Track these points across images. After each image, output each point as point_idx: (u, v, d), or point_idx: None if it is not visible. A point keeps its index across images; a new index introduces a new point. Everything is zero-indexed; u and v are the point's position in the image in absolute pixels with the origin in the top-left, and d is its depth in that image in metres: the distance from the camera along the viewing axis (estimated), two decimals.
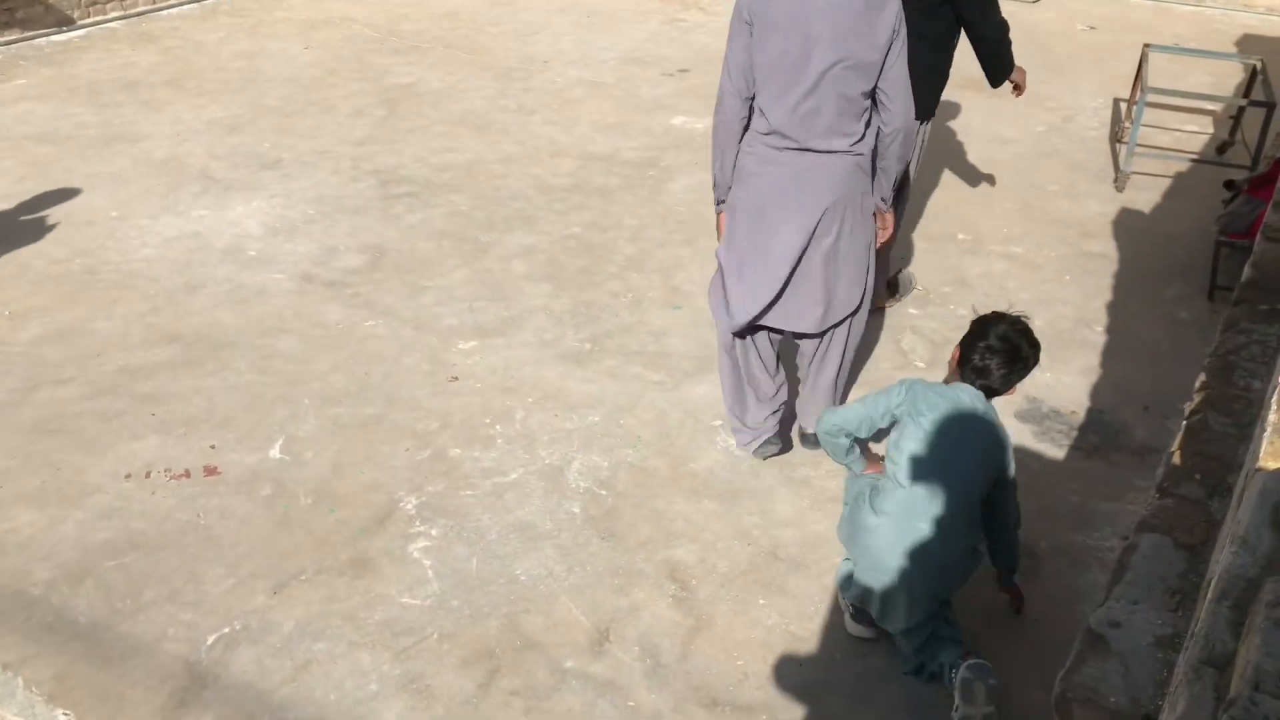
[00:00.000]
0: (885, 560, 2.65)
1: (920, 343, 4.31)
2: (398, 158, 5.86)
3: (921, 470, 2.63)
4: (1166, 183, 5.81)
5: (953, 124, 6.52)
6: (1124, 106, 6.67)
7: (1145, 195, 5.66)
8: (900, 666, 2.78)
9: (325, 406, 3.80)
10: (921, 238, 5.16)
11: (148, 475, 3.41)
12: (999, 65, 4.12)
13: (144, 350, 4.08)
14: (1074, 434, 3.78)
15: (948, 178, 5.82)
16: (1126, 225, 5.33)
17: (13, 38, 7.34)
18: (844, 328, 3.37)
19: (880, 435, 2.95)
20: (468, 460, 3.54)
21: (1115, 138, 6.36)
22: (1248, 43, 8.10)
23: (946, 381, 2.85)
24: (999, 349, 2.70)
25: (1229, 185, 5.10)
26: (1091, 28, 8.59)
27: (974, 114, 6.67)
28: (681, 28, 8.28)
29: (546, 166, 5.82)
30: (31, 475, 3.39)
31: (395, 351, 4.14)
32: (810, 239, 3.13)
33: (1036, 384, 4.05)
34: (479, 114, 6.49)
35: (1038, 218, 5.40)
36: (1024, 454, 3.69)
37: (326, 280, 4.63)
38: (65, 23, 7.67)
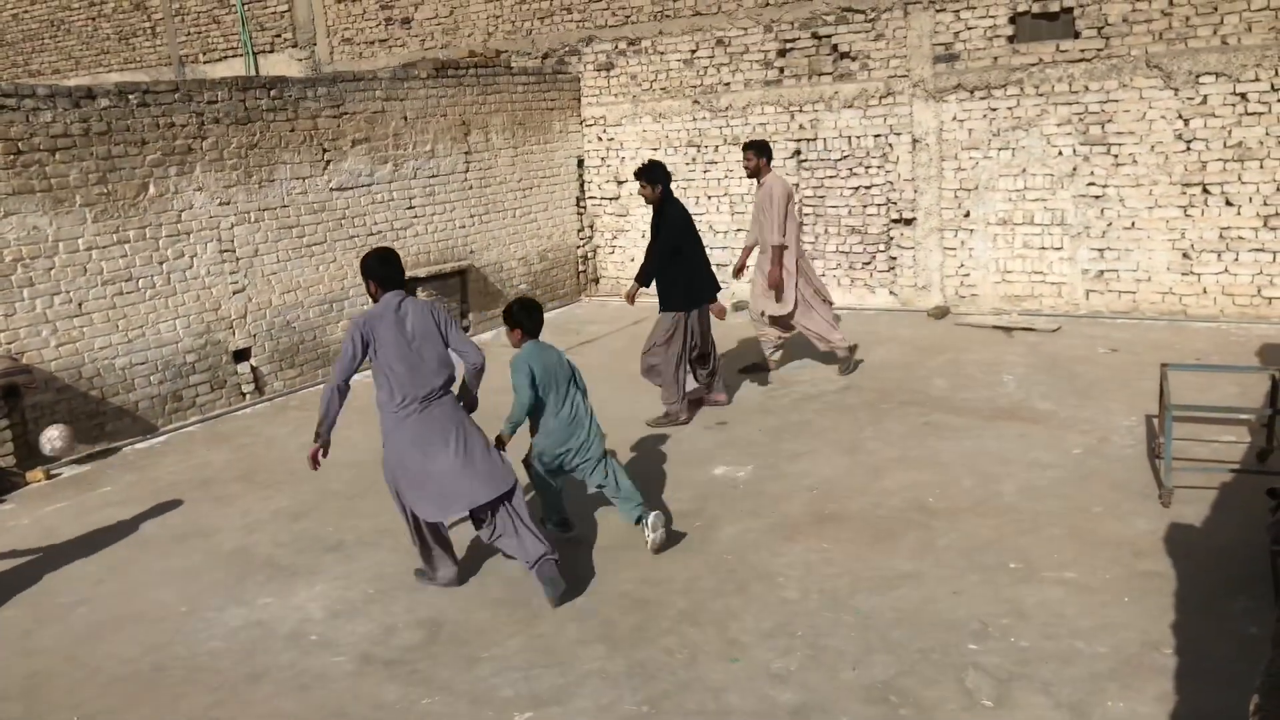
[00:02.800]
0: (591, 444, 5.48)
1: (985, 680, 4.20)
2: (456, 530, 6.08)
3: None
4: (1213, 494, 5.83)
5: (989, 452, 6.68)
6: (1156, 423, 6.83)
7: (1193, 509, 5.67)
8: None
9: None
10: (973, 569, 5.16)
11: None
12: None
13: None
14: None
15: (990, 507, 5.89)
16: (1178, 541, 5.30)
17: (101, 448, 7.96)
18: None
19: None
20: None
21: (1153, 454, 6.46)
22: (1267, 352, 8.37)
23: (518, 346, 5.49)
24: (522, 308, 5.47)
25: (1272, 494, 5.11)
26: (1113, 350, 8.94)
27: (1009, 442, 6.85)
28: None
29: (595, 528, 5.99)
30: None
31: None
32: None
33: (1110, 715, 3.90)
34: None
35: (1087, 540, 5.40)
36: None
37: (385, 659, 4.69)
38: (149, 431, 8.34)
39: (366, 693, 4.43)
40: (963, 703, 4.08)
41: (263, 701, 4.41)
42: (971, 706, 4.04)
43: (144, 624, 5.17)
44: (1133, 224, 9.89)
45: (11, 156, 7.42)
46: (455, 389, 5.26)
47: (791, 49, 11.27)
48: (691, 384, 8.08)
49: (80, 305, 7.88)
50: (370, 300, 5.25)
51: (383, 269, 5.13)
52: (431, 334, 5.10)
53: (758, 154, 8.40)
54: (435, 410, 5.05)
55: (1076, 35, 9.83)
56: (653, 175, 7.57)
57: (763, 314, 8.62)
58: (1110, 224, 9.97)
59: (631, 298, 7.93)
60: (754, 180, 8.89)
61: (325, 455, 5.16)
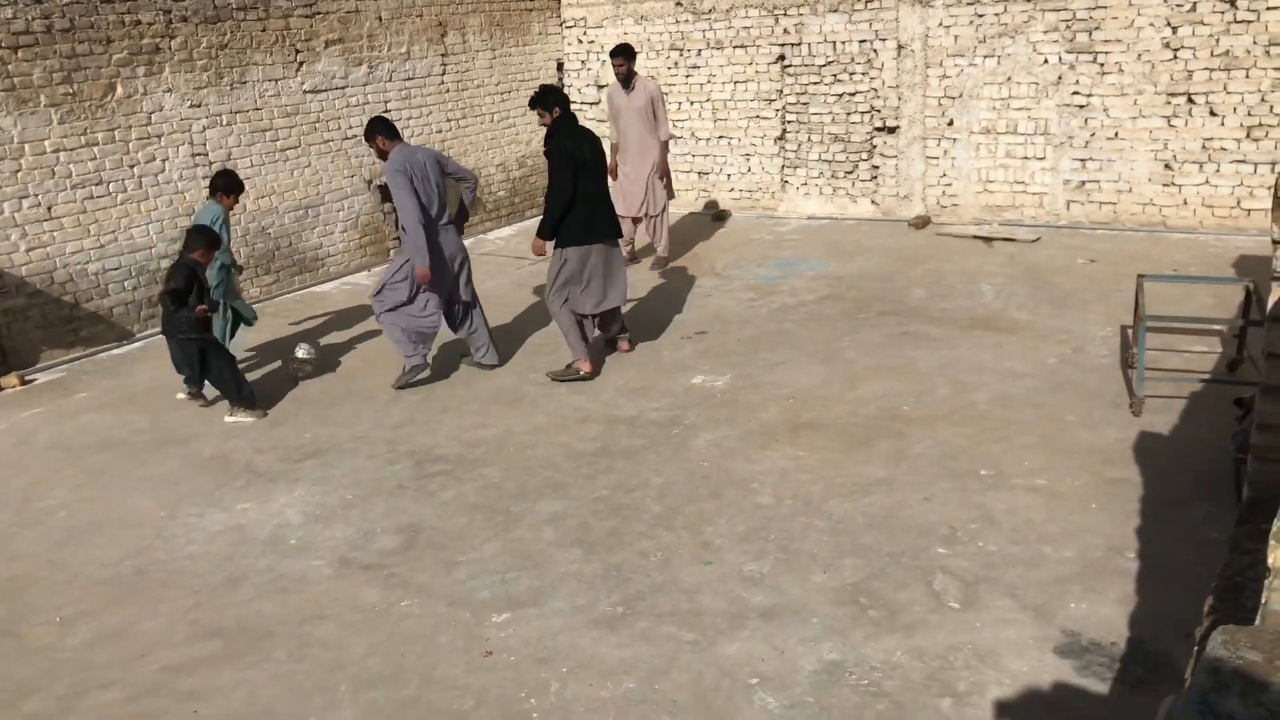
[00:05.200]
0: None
1: (952, 583, 4.30)
2: (433, 437, 6.12)
3: None
4: (1182, 404, 5.91)
5: (965, 361, 6.73)
6: (1130, 334, 6.88)
7: (1162, 418, 5.75)
8: None
9: (362, 691, 3.83)
10: (945, 476, 5.24)
11: None
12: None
13: (187, 647, 4.17)
14: (1116, 666, 3.70)
15: (964, 416, 5.96)
16: (1147, 449, 5.39)
17: (76, 354, 7.91)
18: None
19: None
20: None
21: (1126, 364, 6.52)
22: (1244, 264, 8.40)
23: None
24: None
25: (1239, 403, 5.19)
26: (1092, 261, 8.96)
27: (985, 351, 6.90)
28: (698, 293, 8.74)
29: (574, 433, 6.04)
30: None
31: (430, 630, 4.20)
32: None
33: (1072, 616, 4.01)
34: (510, 389, 6.81)
35: (1058, 448, 5.48)
36: (1067, 691, 3.61)
37: (363, 564, 4.75)
38: (125, 337, 8.27)
39: (345, 595, 4.49)
40: (930, 605, 4.18)
41: (242, 604, 4.47)
42: (939, 609, 4.15)
43: (123, 529, 5.20)
44: (1116, 134, 9.82)
45: None
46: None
47: None
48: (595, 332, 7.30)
49: (49, 209, 7.74)
50: (377, 156, 6.80)
51: (391, 125, 6.73)
52: (437, 168, 6.72)
53: (629, 59, 9.22)
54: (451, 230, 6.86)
55: None
56: (545, 100, 6.78)
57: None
58: (1094, 134, 9.90)
59: (539, 250, 7.11)
60: (624, 82, 9.34)
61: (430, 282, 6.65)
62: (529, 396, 6.67)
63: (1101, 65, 9.72)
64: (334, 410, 6.63)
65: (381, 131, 6.71)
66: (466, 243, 7.26)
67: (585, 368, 6.90)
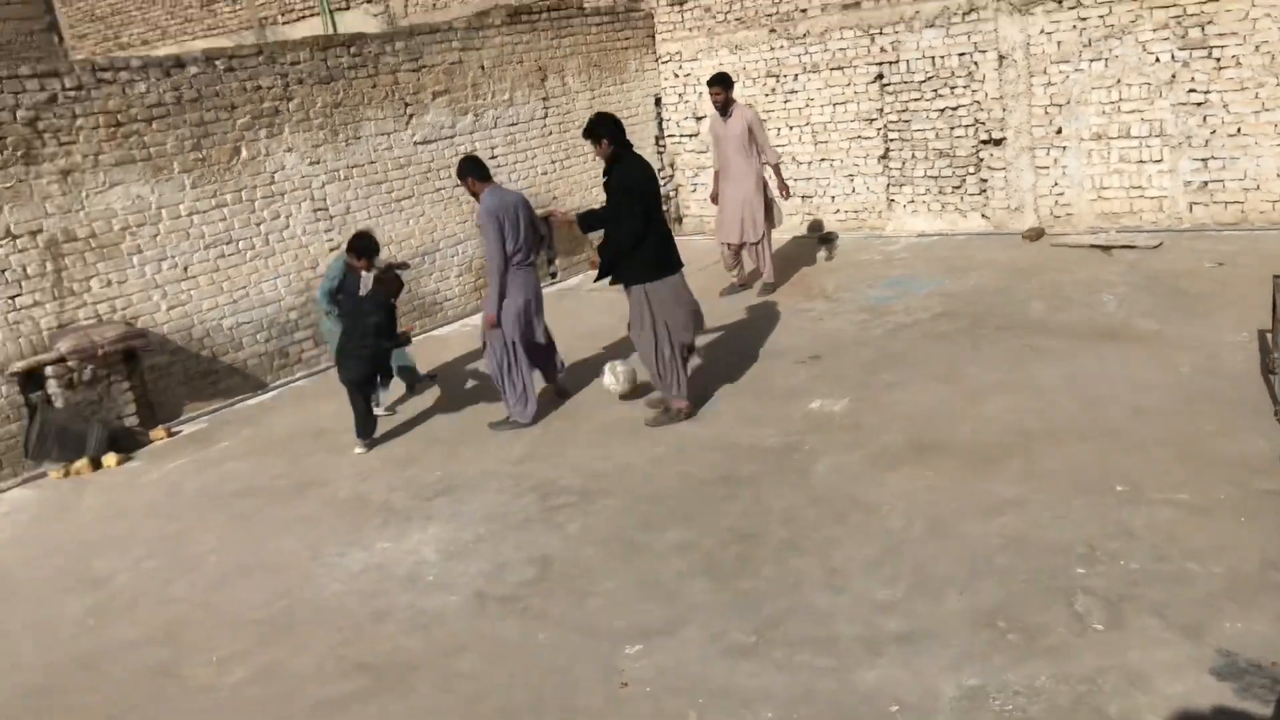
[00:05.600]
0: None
1: (1095, 603, 4.19)
2: (556, 471, 6.23)
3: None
4: None
5: (1091, 374, 6.55)
6: (1270, 338, 6.60)
7: None
8: None
9: None
10: (1078, 493, 5.10)
11: None
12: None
13: (337, 682, 4.34)
14: (1279, 688, 3.55)
15: (1094, 430, 5.80)
16: None
17: (216, 405, 8.31)
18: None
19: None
20: None
21: (1267, 370, 6.25)
22: None
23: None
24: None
25: None
26: (1220, 264, 8.62)
27: (1111, 363, 6.70)
28: (809, 317, 8.71)
29: (693, 463, 6.08)
30: None
31: (567, 661, 4.27)
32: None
33: (1227, 635, 3.86)
34: (626, 421, 6.89)
35: (1199, 460, 5.29)
36: (1227, 715, 3.47)
37: (499, 596, 4.87)
38: (259, 387, 8.66)
39: (484, 628, 4.61)
40: (1073, 627, 4.07)
41: (387, 639, 4.63)
42: (1083, 631, 4.04)
43: (270, 571, 5.44)
44: (1238, 130, 9.45)
45: (112, 129, 7.69)
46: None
47: None
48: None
49: (186, 269, 8.19)
50: (472, 196, 7.05)
51: (482, 165, 6.97)
52: (527, 210, 6.98)
53: (726, 88, 9.22)
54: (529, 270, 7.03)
55: None
56: (594, 132, 6.47)
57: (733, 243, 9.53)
58: (1214, 132, 9.56)
59: (602, 274, 6.75)
60: (723, 112, 9.34)
61: (498, 324, 6.86)
62: (645, 428, 6.73)
63: (1218, 60, 9.40)
64: (460, 447, 6.81)
65: (472, 172, 6.92)
66: (573, 279, 7.49)
67: (684, 407, 6.71)
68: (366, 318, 6.83)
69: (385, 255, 9.61)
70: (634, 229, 6.37)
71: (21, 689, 4.64)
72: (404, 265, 7.90)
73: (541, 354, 7.27)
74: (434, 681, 4.26)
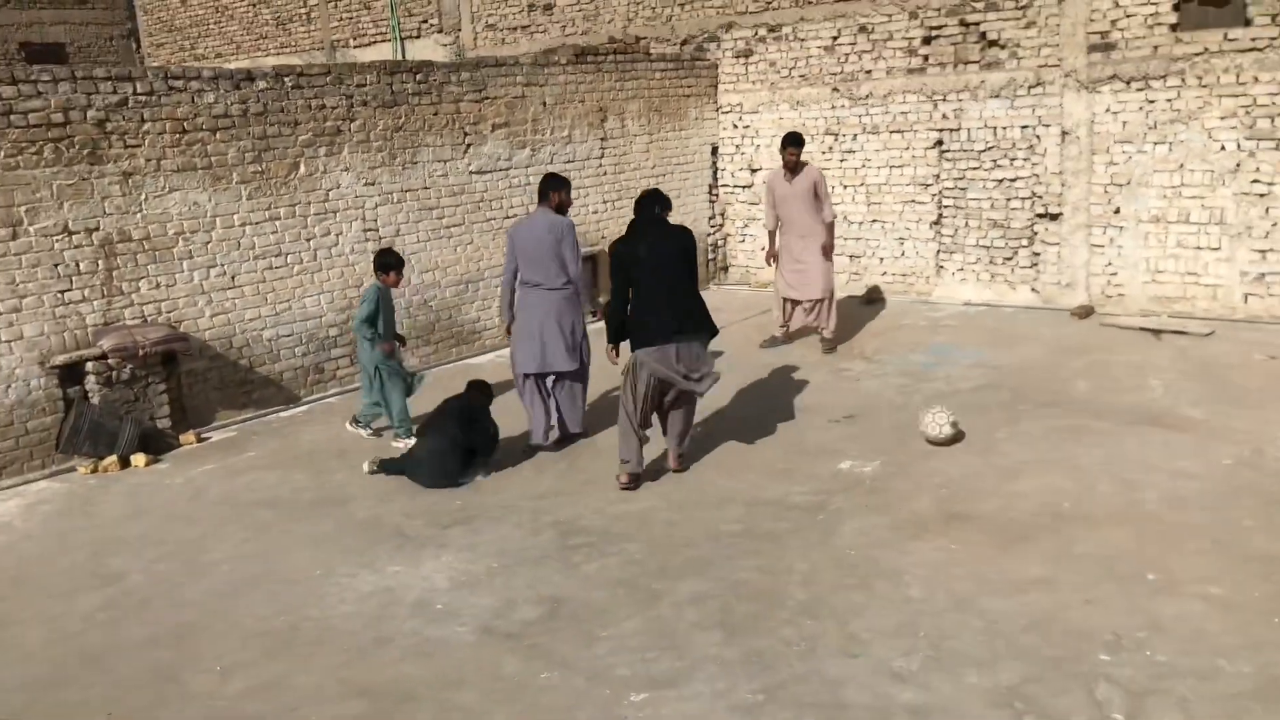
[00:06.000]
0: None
1: (1117, 692, 4.04)
2: (577, 509, 6.18)
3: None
4: None
5: (1131, 459, 6.39)
6: None
7: None
8: None
9: None
10: (1108, 579, 4.95)
11: None
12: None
13: (335, 704, 4.28)
14: None
15: (1130, 516, 5.64)
16: None
17: (248, 415, 8.37)
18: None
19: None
20: None
21: None
22: None
23: None
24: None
25: None
26: (1273, 357, 8.43)
27: (1153, 449, 6.54)
28: (847, 376, 8.62)
29: (717, 513, 5.99)
30: None
31: (568, 703, 4.18)
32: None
33: None
34: (652, 465, 6.81)
35: (1234, 555, 5.12)
36: None
37: (506, 632, 4.80)
38: (292, 400, 8.71)
39: (487, 663, 4.54)
40: (1092, 715, 3.92)
41: (389, 665, 4.57)
42: (1102, 719, 3.89)
43: (282, 584, 5.42)
44: None
45: (177, 135, 7.85)
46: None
47: (937, 36, 10.97)
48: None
49: (233, 278, 8.29)
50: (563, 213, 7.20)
51: (543, 186, 7.23)
52: (553, 234, 7.11)
53: (799, 148, 9.19)
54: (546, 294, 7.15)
55: (1248, 23, 9.27)
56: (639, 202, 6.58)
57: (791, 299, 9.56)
58: (1276, 224, 9.39)
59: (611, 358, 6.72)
60: (793, 171, 9.28)
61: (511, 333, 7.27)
62: (671, 474, 6.66)
63: None
64: (491, 479, 6.77)
65: (542, 186, 7.21)
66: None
67: (622, 478, 6.45)
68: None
69: (429, 279, 9.68)
70: (610, 298, 6.61)
71: (24, 680, 4.64)
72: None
73: (563, 383, 7.27)
74: (432, 713, 4.19)
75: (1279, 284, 9.49)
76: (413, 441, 7.12)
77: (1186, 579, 4.91)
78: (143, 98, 7.66)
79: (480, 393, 7.03)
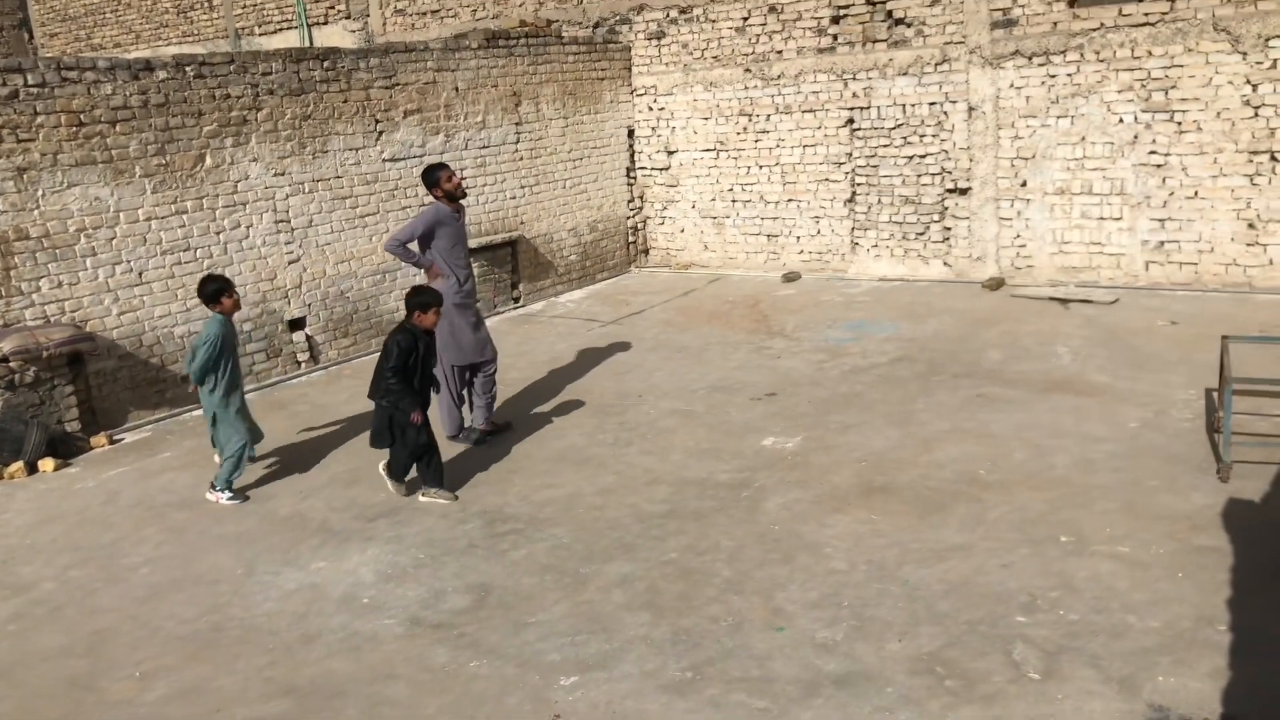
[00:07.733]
0: None
1: (1032, 652, 4.17)
2: (502, 497, 6.16)
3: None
4: (1273, 470, 5.70)
5: (1042, 425, 6.59)
6: (1216, 397, 6.67)
7: (1253, 485, 5.55)
8: None
9: None
10: (1023, 542, 5.10)
11: None
12: None
13: (261, 704, 4.21)
14: None
15: (1043, 480, 5.82)
16: (1237, 517, 5.19)
17: (161, 415, 8.15)
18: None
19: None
20: None
21: (1212, 429, 6.33)
22: None
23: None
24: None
25: None
26: (1173, 322, 8.75)
27: (1063, 415, 6.75)
28: (768, 354, 8.72)
29: (643, 495, 6.03)
30: None
31: (498, 691, 4.18)
32: None
33: (1161, 690, 3.85)
34: (578, 449, 6.83)
35: (1141, 514, 5.32)
36: None
37: (434, 623, 4.77)
38: None
39: (416, 655, 4.51)
40: (1010, 675, 4.05)
41: (316, 662, 4.51)
42: (1018, 679, 4.02)
43: (203, 586, 5.30)
44: (1195, 193, 9.63)
45: (74, 128, 7.58)
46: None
47: (845, 15, 11.10)
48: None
49: (140, 275, 8.05)
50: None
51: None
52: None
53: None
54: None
55: None
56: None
57: None
58: (1172, 193, 9.73)
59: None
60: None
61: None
62: (597, 457, 6.68)
63: (1179, 124, 9.58)
64: None
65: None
66: (537, 305, 7.43)
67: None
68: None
69: (344, 269, 9.52)
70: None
71: None
72: None
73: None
74: (360, 708, 4.15)
75: (1177, 251, 9.84)
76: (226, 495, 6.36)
77: (1097, 539, 5.08)
78: (34, 90, 7.38)
79: (418, 300, 6.33)
